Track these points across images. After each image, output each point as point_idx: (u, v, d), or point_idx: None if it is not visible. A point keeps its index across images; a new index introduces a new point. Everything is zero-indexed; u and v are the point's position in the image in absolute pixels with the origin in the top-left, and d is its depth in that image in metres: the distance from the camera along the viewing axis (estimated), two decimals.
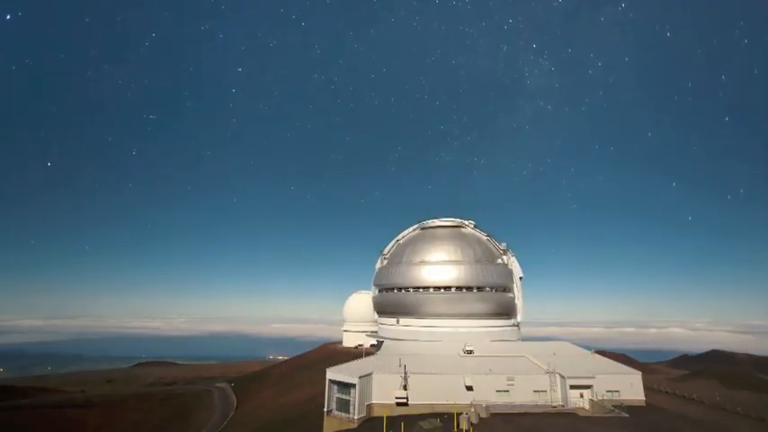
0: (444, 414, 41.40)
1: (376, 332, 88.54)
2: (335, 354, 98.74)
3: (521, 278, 77.43)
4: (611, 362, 54.61)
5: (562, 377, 45.98)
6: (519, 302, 75.90)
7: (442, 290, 72.83)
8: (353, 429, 41.13)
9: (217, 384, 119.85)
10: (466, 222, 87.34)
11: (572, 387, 45.59)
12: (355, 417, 42.15)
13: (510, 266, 76.93)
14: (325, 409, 44.43)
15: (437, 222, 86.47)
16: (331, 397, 44.87)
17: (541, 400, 45.32)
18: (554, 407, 44.40)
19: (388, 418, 38.91)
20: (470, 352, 57.44)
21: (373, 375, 45.14)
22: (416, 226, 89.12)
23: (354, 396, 42.74)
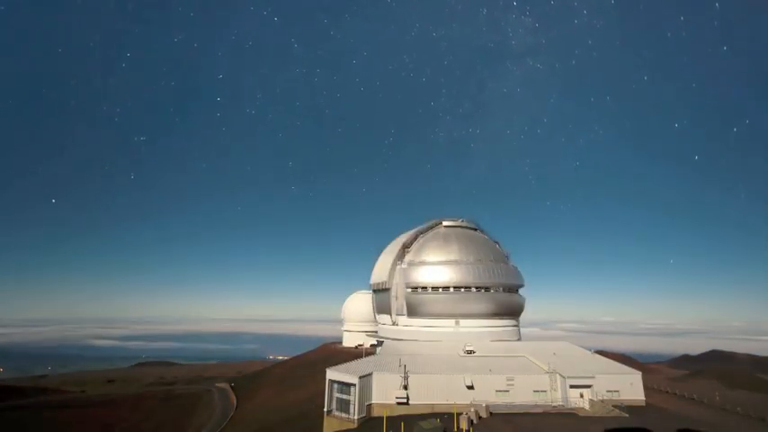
0: (444, 414, 41.40)
1: (376, 332, 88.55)
2: (335, 354, 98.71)
3: (517, 288, 77.01)
4: (611, 362, 54.62)
5: (562, 377, 45.99)
6: (512, 306, 75.11)
7: (441, 290, 72.78)
8: (353, 429, 41.12)
9: (217, 384, 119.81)
10: (466, 223, 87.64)
11: (572, 387, 45.63)
12: (355, 417, 42.14)
13: (507, 278, 76.11)
14: (326, 409, 44.43)
15: (437, 223, 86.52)
16: (331, 397, 44.88)
17: (541, 399, 45.32)
18: (554, 407, 44.41)
19: (388, 418, 38.93)
20: (471, 352, 57.41)
21: (373, 375, 45.14)
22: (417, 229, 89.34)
23: (354, 396, 42.75)
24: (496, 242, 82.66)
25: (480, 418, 39.99)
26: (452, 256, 75.03)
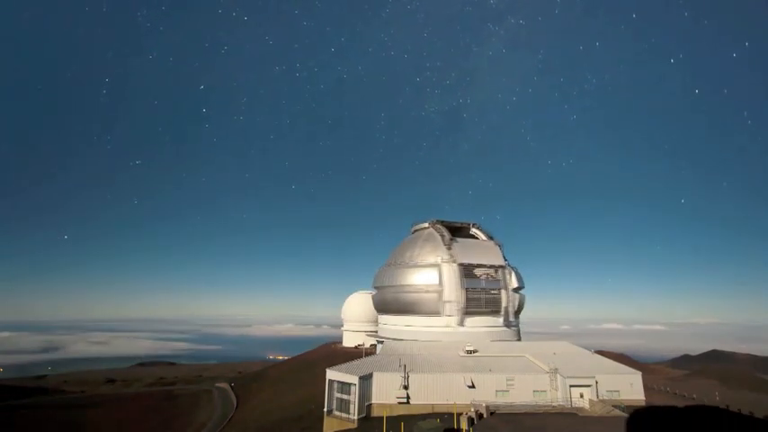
0: (444, 414, 41.41)
1: (376, 332, 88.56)
2: (335, 354, 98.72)
3: (517, 288, 76.65)
4: (611, 362, 54.62)
5: (562, 377, 45.99)
6: (512, 306, 74.59)
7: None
8: (353, 429, 41.13)
9: (217, 384, 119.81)
10: (469, 223, 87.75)
11: (572, 387, 45.62)
12: (355, 417, 42.15)
13: (507, 278, 75.72)
14: (325, 409, 44.44)
15: (445, 223, 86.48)
16: (331, 397, 44.88)
17: (541, 399, 45.31)
18: (554, 407, 44.40)
19: (388, 418, 38.93)
20: (472, 352, 57.35)
21: (373, 375, 45.16)
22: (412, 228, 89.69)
23: (354, 396, 42.77)
24: (498, 244, 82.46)
25: (480, 417, 39.99)
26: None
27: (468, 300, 71.13)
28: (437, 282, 72.37)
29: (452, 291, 71.53)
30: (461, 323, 70.87)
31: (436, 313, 72.01)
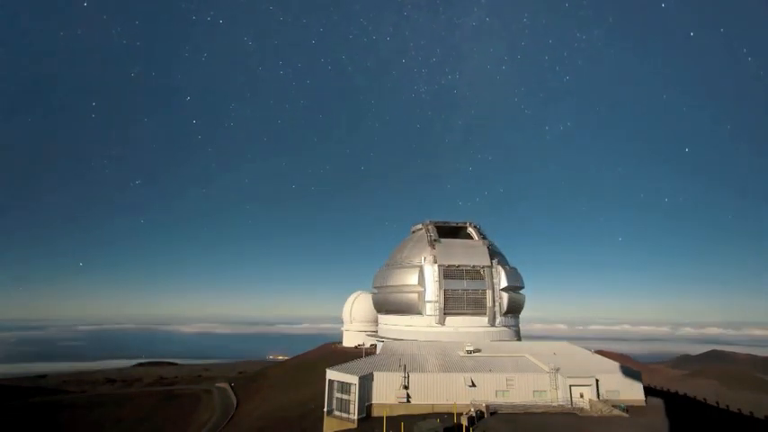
0: (444, 414, 41.39)
1: (376, 332, 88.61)
2: (335, 354, 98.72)
3: (509, 288, 76.26)
4: (611, 362, 54.59)
5: (563, 377, 45.97)
6: (499, 306, 74.19)
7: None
8: (353, 429, 41.12)
9: (217, 384, 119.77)
10: (466, 223, 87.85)
11: (572, 386, 45.60)
12: (355, 417, 42.12)
13: (497, 277, 75.17)
14: (325, 409, 44.41)
15: (438, 224, 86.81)
16: (331, 397, 44.84)
17: (541, 399, 45.27)
18: (554, 406, 44.38)
19: (388, 418, 38.91)
20: (472, 352, 57.29)
21: (374, 375, 45.14)
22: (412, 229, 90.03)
23: (354, 396, 42.74)
24: (488, 245, 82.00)
25: (481, 417, 39.99)
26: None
27: (447, 300, 72.01)
28: (418, 282, 74.17)
29: (433, 291, 72.85)
30: (442, 323, 71.93)
31: (418, 313, 73.55)
